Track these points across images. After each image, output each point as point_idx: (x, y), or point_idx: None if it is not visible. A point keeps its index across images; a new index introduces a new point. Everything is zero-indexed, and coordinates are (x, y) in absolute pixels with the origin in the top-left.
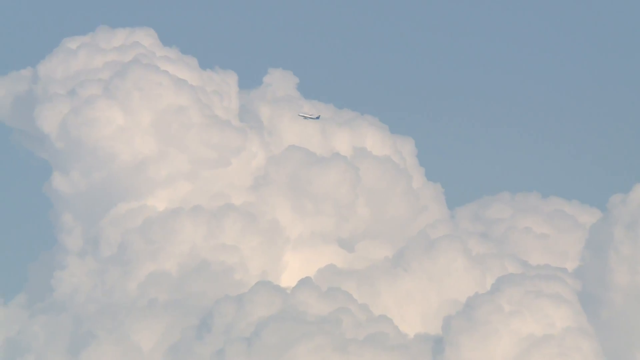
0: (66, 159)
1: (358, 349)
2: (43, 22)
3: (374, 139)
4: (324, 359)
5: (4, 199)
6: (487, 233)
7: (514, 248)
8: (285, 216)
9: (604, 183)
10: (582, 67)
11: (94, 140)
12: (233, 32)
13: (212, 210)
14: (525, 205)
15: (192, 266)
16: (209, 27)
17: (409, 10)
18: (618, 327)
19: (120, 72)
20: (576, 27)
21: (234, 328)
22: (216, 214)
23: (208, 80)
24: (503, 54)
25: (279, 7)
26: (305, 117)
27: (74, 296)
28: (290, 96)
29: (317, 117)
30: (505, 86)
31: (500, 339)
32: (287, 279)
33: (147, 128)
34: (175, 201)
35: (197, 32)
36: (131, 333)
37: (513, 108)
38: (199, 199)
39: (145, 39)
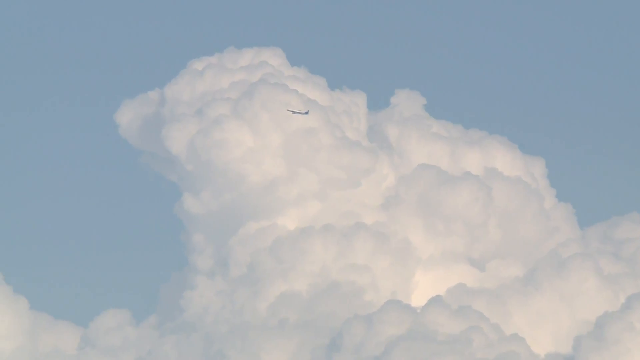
0: (196, 180)
1: None
2: (170, 45)
3: (504, 159)
4: None
5: (136, 221)
6: (617, 253)
7: None
8: (416, 236)
9: None
10: None
11: (223, 162)
12: (360, 53)
13: (342, 229)
14: None
15: (323, 286)
16: (337, 47)
17: (537, 30)
18: None
19: (248, 92)
20: None
21: (364, 348)
22: (346, 233)
23: (337, 101)
24: (630, 75)
25: (405, 29)
26: (294, 113)
27: (204, 316)
28: (418, 116)
29: (306, 113)
30: (634, 106)
31: (631, 358)
32: (417, 299)
33: (277, 149)
34: (305, 220)
35: (324, 52)
36: (261, 353)
37: None
38: (329, 218)
39: (273, 58)
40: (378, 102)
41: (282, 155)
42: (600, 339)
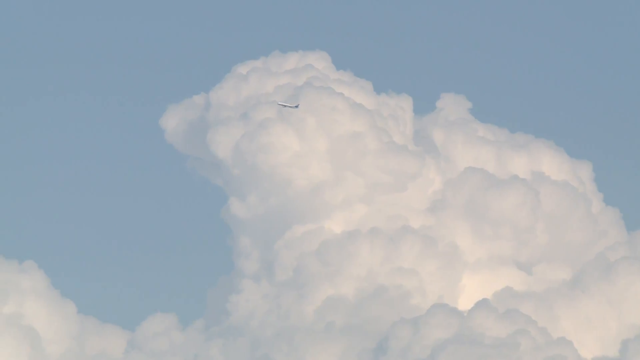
0: (242, 184)
1: None
2: (215, 50)
3: (551, 163)
4: None
5: (183, 226)
6: None
7: None
8: (464, 239)
9: None
10: None
11: (270, 167)
12: (405, 57)
13: (389, 233)
14: None
15: (369, 290)
16: (382, 51)
17: (583, 35)
18: None
19: (293, 96)
20: None
21: (410, 351)
22: (393, 237)
23: (383, 105)
24: None
25: (451, 33)
26: (284, 106)
27: (250, 320)
28: (464, 119)
29: (296, 106)
30: None
31: None
32: (464, 303)
33: (323, 154)
34: (352, 224)
35: (370, 55)
36: (307, 357)
37: None
38: (376, 222)
39: (318, 62)
40: (424, 106)
41: (328, 160)
42: None
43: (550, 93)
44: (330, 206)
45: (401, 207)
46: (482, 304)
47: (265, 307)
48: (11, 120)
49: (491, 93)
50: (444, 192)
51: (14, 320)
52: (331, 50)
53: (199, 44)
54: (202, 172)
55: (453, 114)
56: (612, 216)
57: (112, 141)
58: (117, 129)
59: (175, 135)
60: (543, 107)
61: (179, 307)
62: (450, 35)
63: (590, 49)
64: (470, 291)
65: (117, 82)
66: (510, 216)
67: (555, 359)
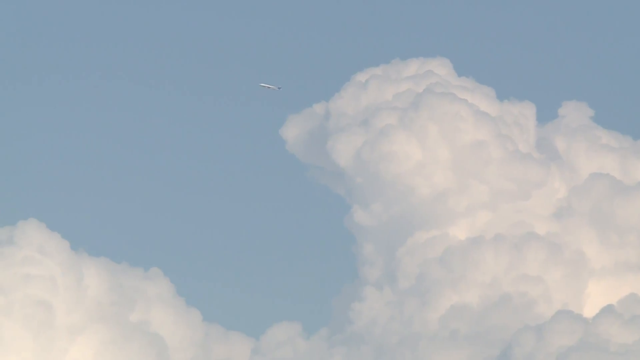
0: (364, 193)
1: None
2: (334, 58)
3: None
4: None
5: (306, 235)
6: None
7: None
8: (589, 246)
9: None
10: None
11: (392, 175)
12: (528, 64)
13: (513, 239)
14: None
15: (494, 299)
16: (503, 57)
17: None
18: None
19: (414, 103)
20: None
21: (534, 359)
22: (518, 244)
23: (507, 112)
24: None
25: (572, 40)
26: (267, 88)
27: (373, 328)
28: (586, 126)
29: (279, 88)
30: None
31: None
32: (589, 310)
33: (446, 162)
34: (476, 230)
35: (492, 62)
36: None
37: None
38: (500, 228)
39: (439, 68)
40: (545, 114)
41: (451, 168)
42: None
43: None
44: (454, 213)
45: (526, 213)
46: (607, 311)
47: (388, 315)
48: (138, 135)
49: (613, 100)
50: (568, 199)
51: (141, 327)
52: (452, 57)
53: (317, 53)
54: (322, 181)
55: (575, 121)
56: None
57: (234, 152)
58: (240, 140)
59: (296, 145)
60: None
61: (303, 316)
62: (571, 43)
63: None
64: (595, 298)
65: (238, 93)
66: (636, 223)
67: None
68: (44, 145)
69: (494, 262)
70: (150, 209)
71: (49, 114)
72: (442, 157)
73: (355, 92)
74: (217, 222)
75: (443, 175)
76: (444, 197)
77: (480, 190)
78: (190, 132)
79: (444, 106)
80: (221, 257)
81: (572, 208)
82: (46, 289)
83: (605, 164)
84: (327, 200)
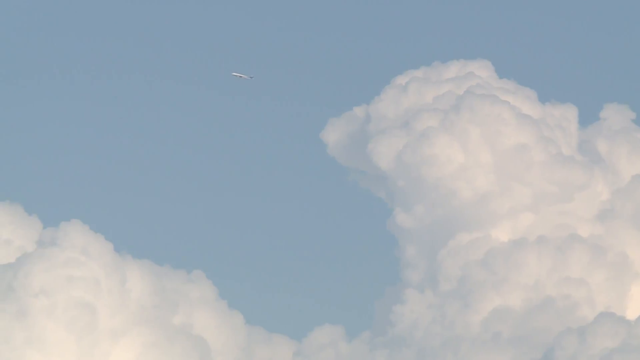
0: (406, 196)
1: None
2: (374, 61)
3: None
4: None
5: (348, 238)
6: None
7: None
8: (634, 249)
9: None
10: None
11: (435, 179)
12: (569, 66)
13: (556, 241)
14: None
15: (537, 302)
16: (545, 60)
17: None
18: None
19: (455, 106)
20: None
21: None
22: (561, 246)
23: (549, 115)
24: None
25: (613, 44)
26: (240, 77)
27: (414, 331)
28: (628, 129)
29: (251, 77)
30: None
31: None
32: (632, 313)
33: (489, 166)
34: (519, 232)
35: (533, 64)
36: None
37: None
38: (543, 230)
39: (480, 70)
40: (587, 116)
41: (493, 171)
42: None
43: None
44: (497, 215)
45: (569, 216)
46: None
47: (430, 318)
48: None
49: None
50: (611, 201)
51: (184, 330)
52: (493, 59)
53: (357, 57)
54: (363, 185)
55: (616, 124)
56: None
57: (276, 156)
58: (281, 144)
59: (337, 148)
60: None
61: (346, 319)
62: (612, 46)
63: None
64: (638, 300)
65: (279, 97)
66: None
67: None
68: (90, 146)
69: (536, 265)
70: (193, 211)
71: (93, 116)
72: (484, 159)
73: (395, 94)
74: (259, 226)
75: (485, 178)
76: (486, 200)
77: (522, 193)
78: (234, 137)
79: (486, 108)
80: (263, 260)
81: (614, 210)
82: (89, 291)
83: None
84: (368, 203)
